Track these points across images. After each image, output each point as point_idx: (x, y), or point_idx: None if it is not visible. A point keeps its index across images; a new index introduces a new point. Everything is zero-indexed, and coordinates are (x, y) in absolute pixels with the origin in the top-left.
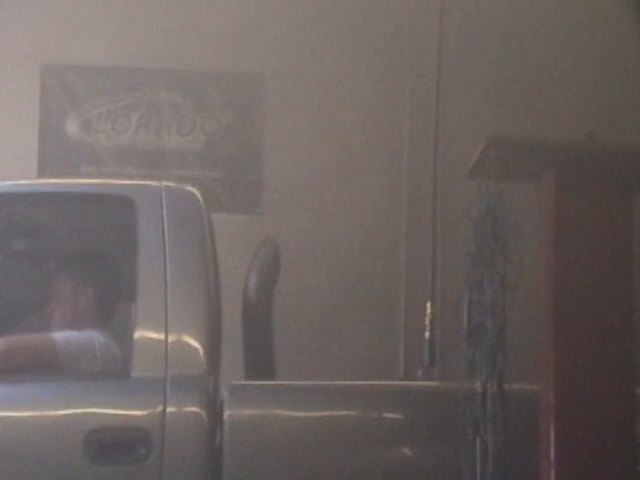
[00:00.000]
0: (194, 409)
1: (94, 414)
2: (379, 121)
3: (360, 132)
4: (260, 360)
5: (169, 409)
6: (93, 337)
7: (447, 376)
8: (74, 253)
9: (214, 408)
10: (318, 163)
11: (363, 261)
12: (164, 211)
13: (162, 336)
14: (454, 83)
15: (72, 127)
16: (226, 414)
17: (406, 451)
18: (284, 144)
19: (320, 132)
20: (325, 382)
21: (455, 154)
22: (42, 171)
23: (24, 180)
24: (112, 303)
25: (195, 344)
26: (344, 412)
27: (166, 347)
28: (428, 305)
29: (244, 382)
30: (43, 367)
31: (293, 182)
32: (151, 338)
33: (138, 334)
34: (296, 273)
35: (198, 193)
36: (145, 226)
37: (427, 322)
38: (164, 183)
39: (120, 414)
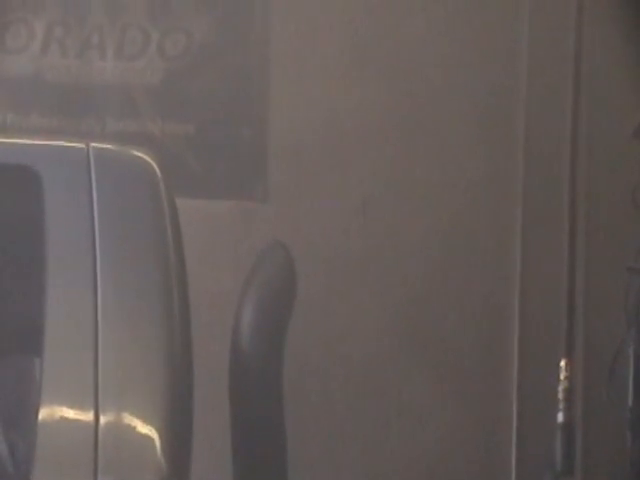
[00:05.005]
0: None
1: None
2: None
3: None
4: (262, 459)
5: None
6: None
7: None
8: None
9: None
10: (364, 113)
11: (437, 283)
12: (93, 194)
13: (88, 416)
14: None
15: None
16: None
17: None
18: (303, 80)
19: (364, 63)
20: None
21: None
22: None
23: None
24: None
25: (146, 430)
26: None
27: (95, 436)
28: (562, 363)
29: None
30: None
31: (318, 145)
32: (68, 420)
33: (45, 414)
34: (325, 304)
35: (154, 163)
36: (58, 219)
37: (561, 394)
38: (94, 145)
39: None
